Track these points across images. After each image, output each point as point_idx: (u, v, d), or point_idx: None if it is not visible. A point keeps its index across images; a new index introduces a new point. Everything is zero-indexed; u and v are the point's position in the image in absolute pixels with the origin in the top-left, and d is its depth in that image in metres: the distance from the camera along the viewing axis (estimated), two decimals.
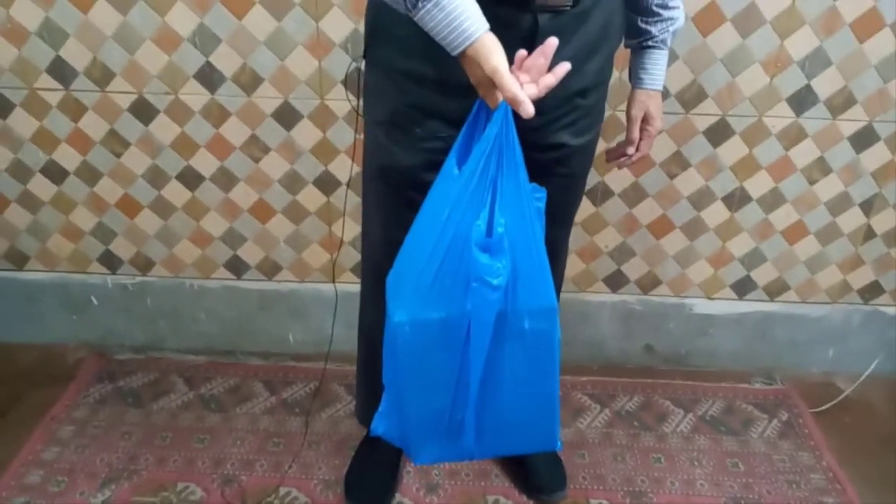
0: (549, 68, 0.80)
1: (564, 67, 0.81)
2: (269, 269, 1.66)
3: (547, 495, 1.37)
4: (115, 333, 1.73)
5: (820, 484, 1.44)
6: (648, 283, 1.66)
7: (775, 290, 1.66)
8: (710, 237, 1.60)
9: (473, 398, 0.92)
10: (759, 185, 1.53)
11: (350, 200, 1.45)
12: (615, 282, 1.66)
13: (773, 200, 1.55)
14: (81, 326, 1.72)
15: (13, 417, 1.52)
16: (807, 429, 1.58)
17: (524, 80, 0.80)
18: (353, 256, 1.63)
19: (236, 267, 1.66)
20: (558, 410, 0.99)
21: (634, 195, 1.55)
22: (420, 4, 0.79)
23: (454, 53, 0.81)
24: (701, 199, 1.55)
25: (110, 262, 1.66)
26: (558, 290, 1.29)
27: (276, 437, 1.51)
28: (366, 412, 1.35)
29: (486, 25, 0.80)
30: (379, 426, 1.03)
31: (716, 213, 1.57)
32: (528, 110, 0.77)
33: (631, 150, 1.15)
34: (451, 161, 0.85)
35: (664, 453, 1.50)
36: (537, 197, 0.87)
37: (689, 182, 1.53)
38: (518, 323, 0.87)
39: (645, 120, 1.12)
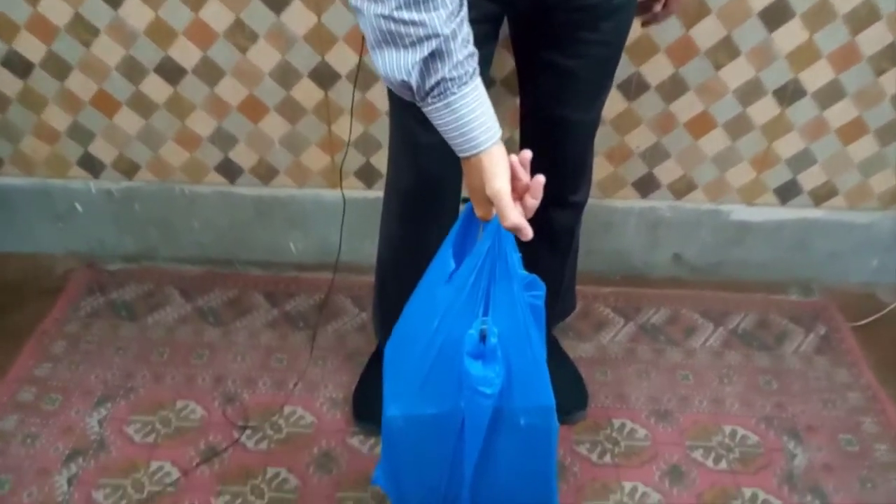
0: None
1: (539, 180, 0.74)
2: (265, 173, 1.52)
3: (566, 415, 1.29)
4: (105, 243, 1.62)
5: (858, 403, 1.36)
6: (682, 188, 1.52)
7: (822, 196, 1.51)
8: (755, 136, 1.43)
9: (469, 478, 0.93)
10: (816, 76, 1.34)
11: (355, 96, 1.28)
12: (645, 186, 1.52)
13: (830, 94, 1.36)
14: (68, 235, 1.62)
15: (2, 331, 1.44)
16: (845, 344, 1.48)
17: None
18: (355, 160, 1.48)
19: (229, 171, 1.52)
20: (556, 490, 0.98)
21: (673, 88, 1.37)
22: (430, 101, 0.71)
23: (459, 156, 0.75)
24: (749, 93, 1.37)
25: (91, 165, 1.52)
26: (587, 192, 1.18)
27: (279, 352, 1.43)
28: (381, 332, 1.29)
29: (498, 134, 0.73)
30: (379, 479, 1.05)
31: (764, 109, 1.39)
32: (529, 234, 0.73)
33: (658, 8, 1.05)
34: (446, 250, 0.84)
35: (692, 370, 1.41)
36: (535, 295, 0.84)
37: (737, 73, 1.34)
38: (514, 419, 0.87)
39: None
